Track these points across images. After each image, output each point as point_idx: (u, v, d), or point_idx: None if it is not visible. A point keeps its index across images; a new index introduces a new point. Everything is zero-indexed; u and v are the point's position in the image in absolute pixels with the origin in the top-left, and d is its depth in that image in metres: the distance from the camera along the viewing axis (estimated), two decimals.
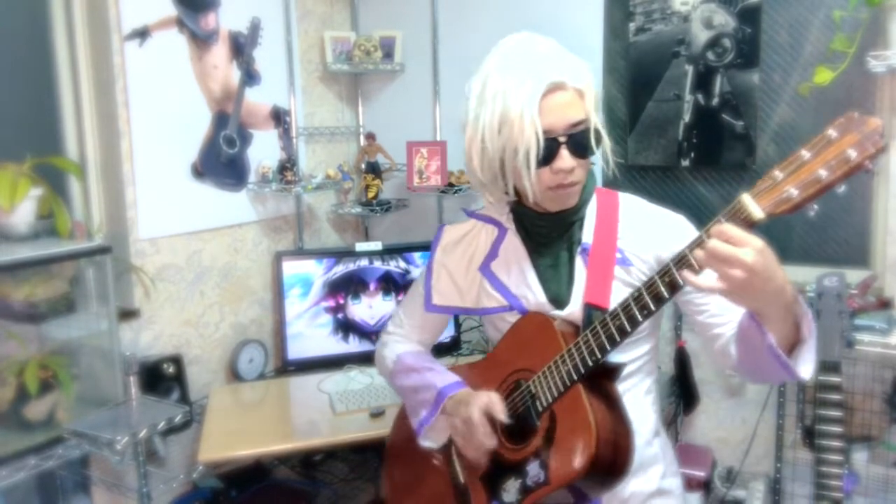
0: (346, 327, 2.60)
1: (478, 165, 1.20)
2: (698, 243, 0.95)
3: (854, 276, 2.00)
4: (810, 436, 1.95)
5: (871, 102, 2.06)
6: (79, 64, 2.19)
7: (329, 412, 2.15)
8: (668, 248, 1.15)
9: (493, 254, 1.32)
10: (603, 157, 1.25)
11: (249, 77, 2.57)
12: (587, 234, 1.25)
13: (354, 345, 2.60)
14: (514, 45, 1.18)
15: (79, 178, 2.20)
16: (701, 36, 2.26)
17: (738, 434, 2.34)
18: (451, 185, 2.66)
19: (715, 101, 2.26)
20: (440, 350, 2.62)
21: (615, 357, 1.17)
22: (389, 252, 2.63)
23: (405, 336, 1.49)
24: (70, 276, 2.00)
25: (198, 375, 2.44)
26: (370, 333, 2.62)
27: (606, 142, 1.19)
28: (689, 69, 2.29)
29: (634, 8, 2.36)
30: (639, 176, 2.47)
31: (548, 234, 1.27)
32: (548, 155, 1.13)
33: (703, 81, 2.27)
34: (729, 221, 0.93)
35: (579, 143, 1.14)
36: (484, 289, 1.31)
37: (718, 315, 1.19)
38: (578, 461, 1.08)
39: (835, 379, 1.68)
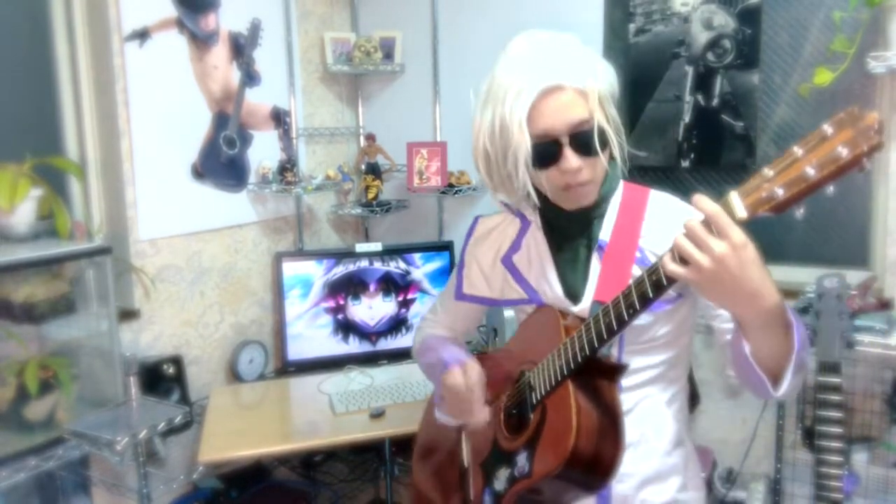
0: (346, 328, 2.60)
1: (484, 169, 1.23)
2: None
3: (854, 276, 2.00)
4: (810, 436, 1.95)
5: (871, 103, 2.06)
6: (79, 64, 2.19)
7: (329, 413, 2.15)
8: None
9: (515, 246, 1.33)
10: (620, 154, 1.21)
11: (249, 78, 2.57)
12: (605, 232, 1.24)
13: (354, 345, 2.60)
14: (518, 47, 1.17)
15: (79, 178, 2.20)
16: (701, 37, 2.26)
17: (738, 434, 2.34)
18: (451, 185, 2.66)
19: (715, 101, 2.26)
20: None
21: (629, 360, 1.18)
22: (389, 253, 2.63)
23: (437, 323, 1.54)
24: (70, 276, 2.00)
25: (198, 376, 2.44)
26: (370, 334, 2.62)
27: (614, 139, 1.16)
28: (689, 70, 2.29)
29: (634, 9, 2.36)
30: (639, 176, 2.47)
31: (568, 229, 1.27)
32: (552, 156, 1.13)
33: (703, 82, 2.27)
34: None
35: (583, 142, 1.13)
36: (507, 280, 1.33)
37: (731, 322, 1.16)
38: (556, 457, 1.09)
39: (835, 380, 1.68)
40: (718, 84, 2.25)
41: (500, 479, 1.22)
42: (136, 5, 2.18)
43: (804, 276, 2.11)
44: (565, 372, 1.12)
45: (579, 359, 1.10)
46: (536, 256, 1.30)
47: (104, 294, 1.99)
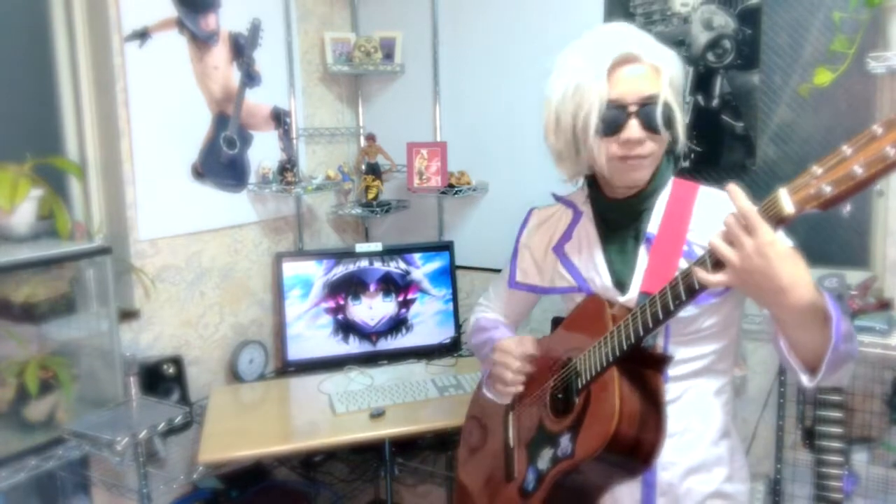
0: (347, 328, 2.60)
1: (553, 135, 1.25)
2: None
3: (854, 276, 2.00)
4: (810, 437, 1.95)
5: (871, 104, 2.06)
6: (79, 64, 2.19)
7: (329, 413, 2.15)
8: None
9: (567, 236, 1.38)
10: (674, 137, 1.23)
11: (250, 78, 2.57)
12: (653, 225, 1.27)
13: (354, 346, 2.60)
14: (602, 26, 1.26)
15: (79, 178, 2.20)
16: (701, 37, 2.26)
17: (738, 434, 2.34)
18: (451, 185, 2.66)
19: (715, 102, 2.26)
20: (441, 351, 2.63)
21: (681, 352, 1.21)
22: (389, 253, 2.63)
23: (490, 308, 1.61)
24: (70, 276, 2.00)
25: (198, 376, 2.44)
26: (370, 334, 2.62)
27: (680, 121, 1.21)
28: (690, 70, 2.29)
29: (634, 9, 2.36)
30: None
31: (618, 220, 1.30)
32: (616, 124, 1.16)
33: (703, 82, 2.27)
34: (762, 213, 0.93)
35: (649, 115, 1.17)
36: (557, 269, 1.38)
37: None
38: (598, 439, 1.12)
39: None
40: (718, 84, 2.25)
41: (544, 459, 1.26)
42: (136, 5, 2.18)
43: None
44: (611, 359, 1.15)
45: (625, 346, 1.13)
46: (587, 246, 1.34)
47: (104, 294, 1.99)
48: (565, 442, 1.21)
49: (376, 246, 2.64)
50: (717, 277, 0.96)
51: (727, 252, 0.94)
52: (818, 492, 1.72)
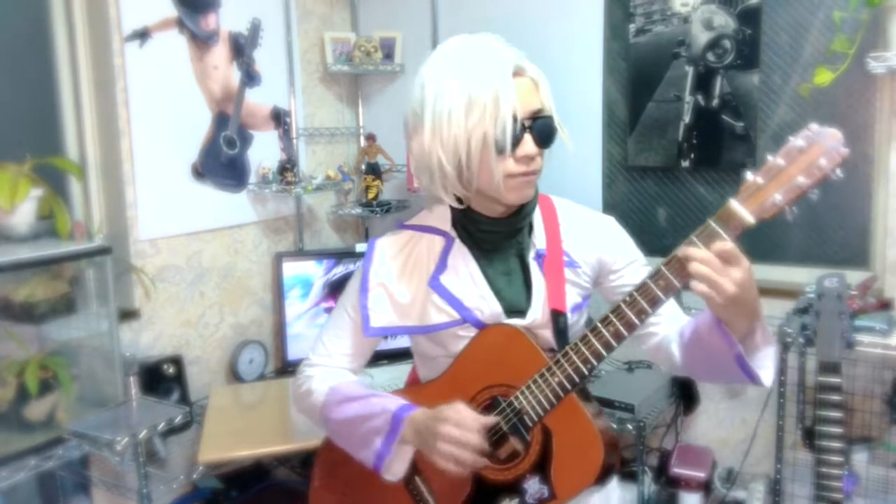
0: None
1: (442, 154, 1.12)
2: (688, 245, 0.98)
3: (854, 276, 2.00)
4: (810, 436, 1.95)
5: (872, 103, 2.06)
6: (79, 64, 2.19)
7: None
8: (606, 248, 1.24)
9: (441, 266, 1.23)
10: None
11: (250, 78, 2.57)
12: (539, 240, 1.23)
13: None
14: (462, 39, 1.16)
15: (79, 178, 2.20)
16: (701, 37, 2.26)
17: (738, 435, 2.34)
18: None
19: (715, 102, 2.26)
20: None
21: None
22: None
23: (333, 364, 1.33)
24: (70, 276, 2.00)
25: (198, 376, 2.44)
26: None
27: (564, 133, 1.17)
28: (690, 70, 2.29)
29: (634, 9, 2.36)
30: (639, 177, 2.47)
31: (497, 240, 1.22)
32: (513, 140, 1.10)
33: (703, 82, 2.27)
34: (719, 225, 0.97)
35: (542, 130, 1.12)
36: (433, 303, 1.21)
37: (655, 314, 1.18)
38: (588, 471, 1.09)
39: (835, 380, 1.68)
40: (718, 84, 2.25)
41: None
42: (137, 5, 2.18)
43: (804, 276, 2.12)
44: (568, 386, 1.10)
45: (584, 371, 1.09)
46: (466, 273, 1.21)
47: (104, 294, 1.99)
48: (535, 486, 1.13)
49: None
50: (702, 289, 0.98)
51: (728, 286, 0.95)
52: (818, 492, 1.72)
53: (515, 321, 1.18)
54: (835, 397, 1.69)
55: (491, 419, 1.14)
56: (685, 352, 1.15)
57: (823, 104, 2.12)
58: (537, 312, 1.19)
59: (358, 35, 2.92)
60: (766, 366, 1.06)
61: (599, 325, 1.07)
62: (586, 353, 1.08)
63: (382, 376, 2.41)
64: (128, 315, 2.22)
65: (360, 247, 2.62)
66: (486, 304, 1.20)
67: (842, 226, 2.14)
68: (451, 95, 1.09)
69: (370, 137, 2.82)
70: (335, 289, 2.58)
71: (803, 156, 0.93)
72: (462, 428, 1.10)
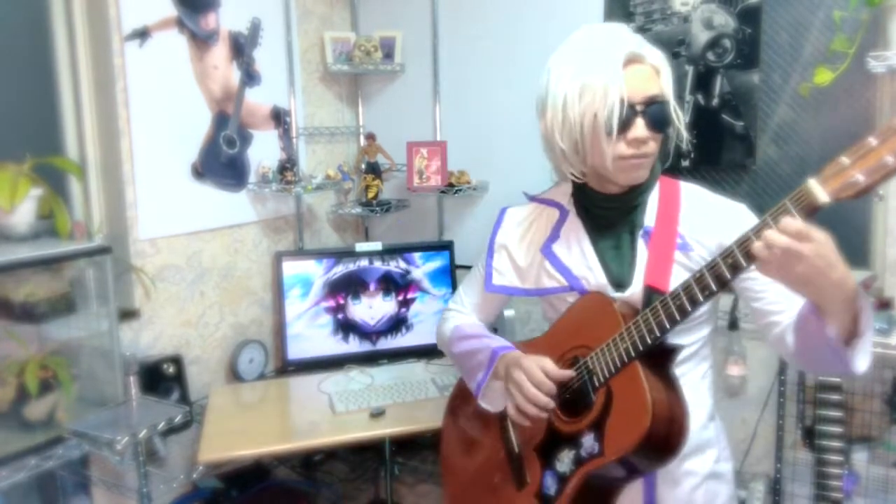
0: (347, 327, 2.60)
1: (559, 135, 1.23)
2: (762, 227, 0.98)
3: (854, 276, 1.99)
4: (810, 436, 1.95)
5: (872, 103, 2.06)
6: (79, 64, 2.19)
7: (329, 412, 2.15)
8: (729, 234, 1.17)
9: (554, 235, 1.36)
10: (677, 136, 1.31)
11: (249, 77, 2.57)
12: (649, 218, 1.29)
13: (354, 345, 2.60)
14: (592, 27, 1.25)
15: (79, 178, 2.20)
16: (701, 36, 2.26)
17: (738, 434, 2.34)
18: (451, 185, 2.66)
19: (715, 101, 2.26)
20: (441, 351, 2.62)
21: (675, 340, 1.21)
22: (389, 252, 2.63)
23: (463, 313, 1.54)
24: (70, 276, 2.00)
25: (198, 375, 2.44)
26: (370, 334, 2.62)
27: (681, 120, 1.24)
28: (690, 69, 2.29)
29: (634, 8, 2.36)
30: None
31: (610, 216, 1.30)
32: (625, 123, 1.17)
33: (703, 82, 2.27)
34: (793, 204, 0.96)
35: (655, 115, 1.19)
36: (545, 270, 1.34)
37: (776, 303, 1.21)
38: (633, 435, 1.11)
39: (835, 379, 1.68)
40: (718, 84, 2.25)
41: (564, 461, 1.24)
42: (136, 5, 2.18)
43: None
44: (633, 353, 1.15)
45: (648, 340, 1.13)
46: (577, 244, 1.32)
47: (104, 294, 1.99)
48: (589, 442, 1.19)
49: (376, 245, 2.64)
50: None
51: (795, 267, 0.94)
52: (818, 491, 1.72)
53: (615, 293, 1.26)
54: (835, 397, 1.69)
55: (564, 373, 1.25)
56: (795, 339, 1.16)
57: (823, 103, 2.12)
58: (636, 287, 1.25)
59: (358, 35, 2.92)
60: (864, 352, 1.05)
61: (669, 298, 1.12)
62: (652, 322, 1.13)
63: (382, 376, 2.42)
64: (128, 315, 2.22)
65: (360, 246, 2.62)
66: (593, 275, 1.29)
67: (842, 225, 2.14)
68: (568, 81, 1.19)
69: (370, 137, 2.82)
70: (335, 288, 2.59)
71: None
72: (533, 380, 1.24)
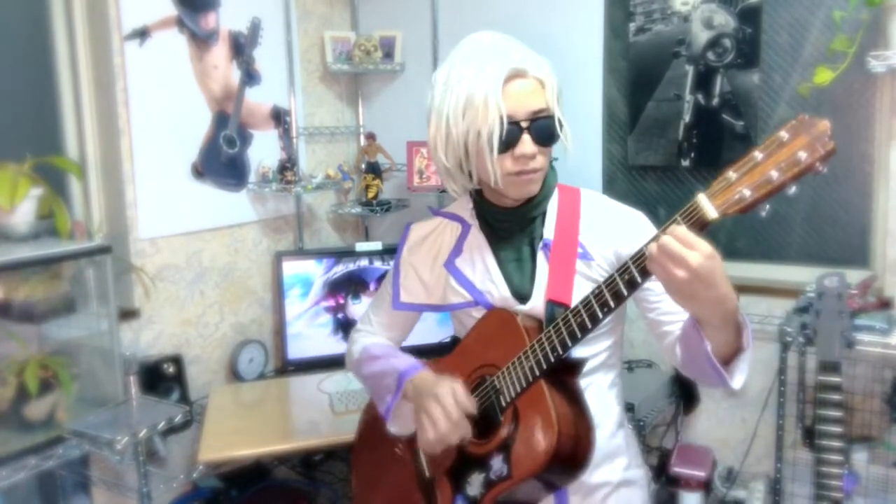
0: (347, 327, 2.60)
1: (442, 152, 1.22)
2: (656, 240, 0.96)
3: (854, 276, 1.99)
4: (810, 436, 1.95)
5: (872, 103, 2.06)
6: (79, 64, 2.19)
7: (329, 412, 2.15)
8: (628, 243, 1.20)
9: (457, 250, 1.34)
10: (571, 147, 1.25)
11: (249, 77, 2.57)
12: (548, 230, 1.27)
13: None
14: (477, 39, 1.22)
15: (79, 177, 2.20)
16: (701, 36, 2.26)
17: (738, 434, 2.34)
18: None
19: (715, 101, 2.26)
20: (441, 350, 2.61)
21: (578, 352, 1.18)
22: (389, 252, 2.63)
23: (372, 333, 1.50)
24: (70, 276, 2.00)
25: (198, 375, 2.44)
26: None
27: (567, 133, 1.21)
28: (690, 69, 2.29)
29: (635, 8, 2.36)
30: (639, 176, 2.47)
31: (509, 228, 1.29)
32: (510, 140, 1.15)
33: (703, 81, 2.27)
34: (685, 220, 0.94)
35: (541, 130, 1.17)
36: (450, 285, 1.33)
37: (669, 314, 1.21)
38: (539, 456, 1.10)
39: (835, 379, 1.68)
40: (719, 83, 2.25)
41: (474, 485, 1.21)
42: (136, 4, 2.18)
43: (804, 275, 2.12)
44: (537, 372, 1.14)
45: (552, 358, 1.12)
46: (479, 258, 1.31)
47: (104, 293, 1.99)
48: (498, 464, 1.17)
49: (376, 245, 2.64)
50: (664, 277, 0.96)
51: (676, 271, 0.92)
52: (818, 491, 1.72)
53: (519, 307, 1.24)
54: (835, 396, 1.69)
55: (472, 404, 1.19)
56: (679, 350, 1.16)
57: (823, 103, 2.12)
58: (538, 300, 1.23)
59: (358, 34, 2.91)
60: (741, 370, 1.05)
61: (570, 314, 1.11)
62: (555, 340, 1.12)
63: None
64: (128, 314, 2.22)
65: (360, 246, 2.62)
66: (497, 289, 1.28)
67: (842, 225, 2.14)
68: (451, 97, 1.18)
69: (370, 136, 2.82)
70: (335, 288, 2.59)
71: (783, 149, 0.89)
72: (446, 409, 1.18)
